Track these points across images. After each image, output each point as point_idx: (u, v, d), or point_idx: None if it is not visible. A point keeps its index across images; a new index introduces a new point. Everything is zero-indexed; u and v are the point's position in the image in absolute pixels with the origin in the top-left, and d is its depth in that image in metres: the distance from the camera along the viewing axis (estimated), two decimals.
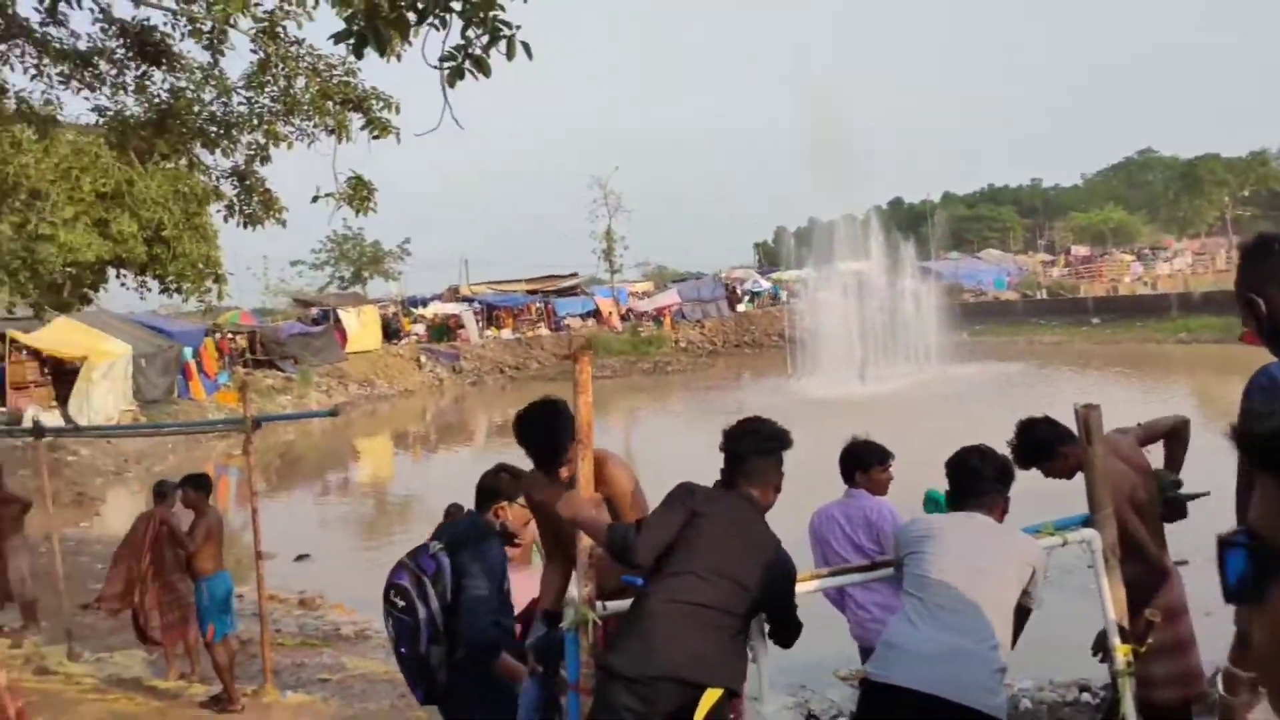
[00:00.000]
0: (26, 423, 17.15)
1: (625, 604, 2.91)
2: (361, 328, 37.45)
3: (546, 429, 3.08)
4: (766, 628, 3.02)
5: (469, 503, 4.24)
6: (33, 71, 10.27)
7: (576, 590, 2.76)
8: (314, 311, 39.84)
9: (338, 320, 37.13)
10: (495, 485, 3.79)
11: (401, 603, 3.48)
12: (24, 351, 24.35)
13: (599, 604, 2.80)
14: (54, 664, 7.89)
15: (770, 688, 3.18)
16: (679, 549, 2.81)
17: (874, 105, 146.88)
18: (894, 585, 4.57)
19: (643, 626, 2.75)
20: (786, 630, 3.01)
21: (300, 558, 13.52)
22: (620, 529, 2.86)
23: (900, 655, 2.85)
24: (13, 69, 10.34)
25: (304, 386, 31.68)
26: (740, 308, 47.84)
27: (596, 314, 45.10)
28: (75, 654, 8.15)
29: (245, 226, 13.85)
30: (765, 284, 50.72)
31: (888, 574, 3.48)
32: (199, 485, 7.10)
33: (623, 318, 45.22)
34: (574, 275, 49.54)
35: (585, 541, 2.79)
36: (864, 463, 4.73)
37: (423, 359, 38.93)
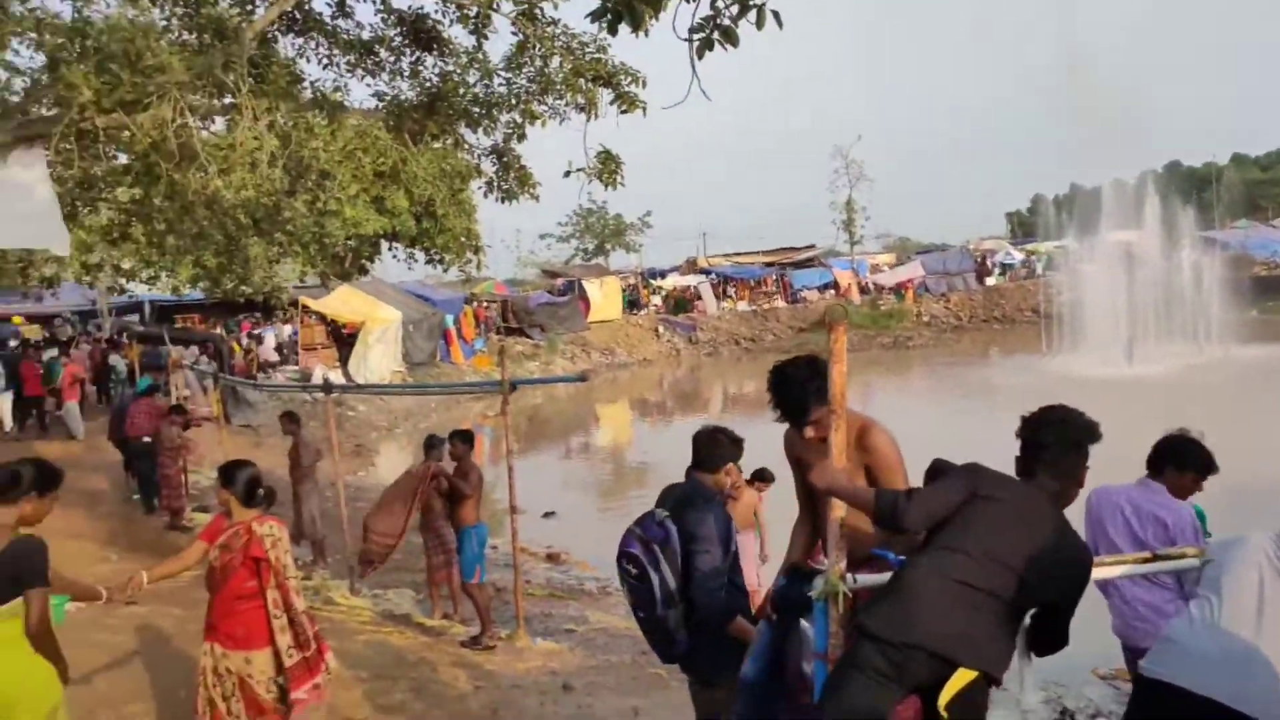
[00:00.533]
0: (316, 380, 19.20)
1: (877, 577, 2.83)
2: (604, 298, 38.83)
3: (799, 385, 3.05)
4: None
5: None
6: (325, 62, 11.38)
7: (828, 561, 2.72)
8: (560, 282, 41.74)
9: (582, 291, 38.70)
10: (720, 447, 3.83)
11: (634, 570, 3.58)
12: (313, 316, 27.19)
13: (850, 576, 2.74)
14: (338, 596, 8.79)
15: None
16: (953, 525, 2.71)
17: (1147, 60, 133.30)
18: (1172, 589, 4.18)
19: (903, 594, 2.68)
20: (1054, 636, 2.83)
21: (547, 515, 14.29)
22: (890, 494, 2.79)
23: (1180, 654, 2.61)
24: (308, 61, 11.50)
25: (550, 353, 33.34)
26: (990, 281, 45.24)
27: (834, 286, 44.18)
28: (356, 589, 9.06)
29: (502, 201, 14.66)
30: (1018, 255, 47.63)
31: (1166, 567, 3.18)
32: (466, 439, 7.66)
33: (862, 290, 44.04)
34: (811, 247, 48.76)
35: (837, 512, 2.74)
36: (1182, 463, 4.29)
37: (661, 329, 39.82)
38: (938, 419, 18.44)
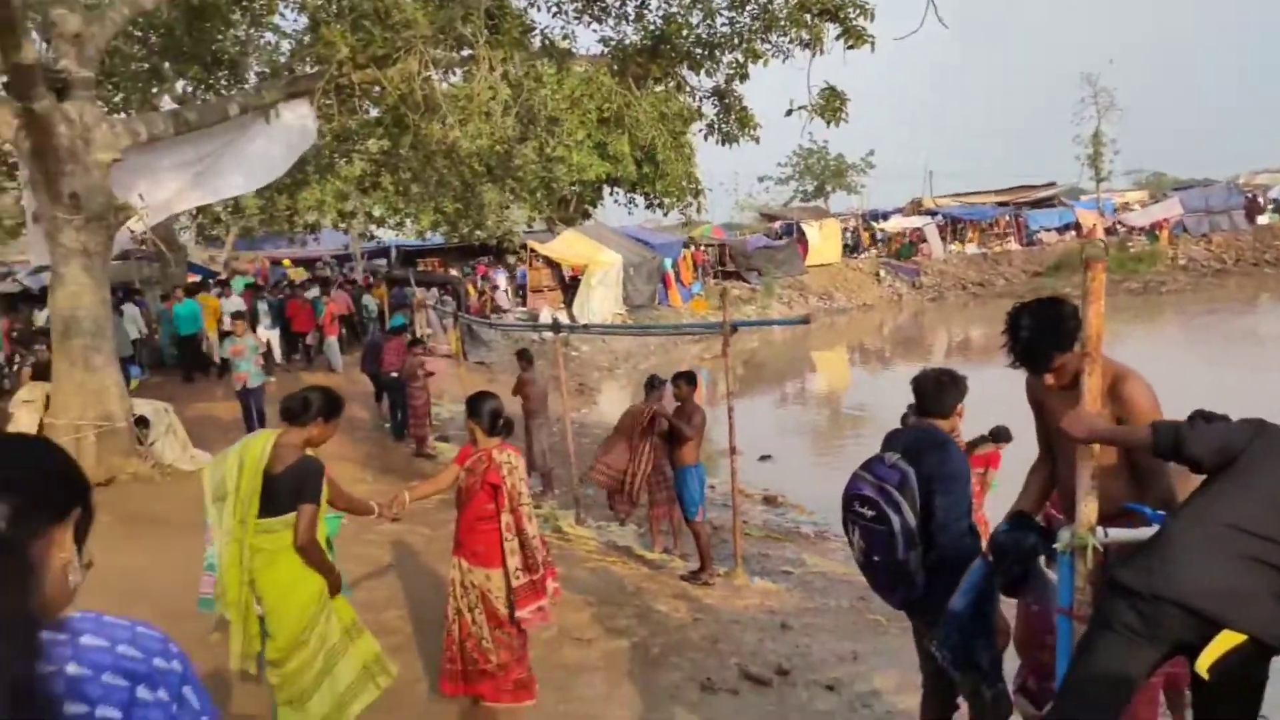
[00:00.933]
0: (544, 321, 20.14)
1: (1132, 533, 2.64)
2: (822, 241, 38.00)
3: (1038, 329, 2.86)
4: None
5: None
6: (554, 9, 11.72)
7: (1077, 512, 2.58)
8: (778, 225, 41.20)
9: (800, 234, 38.05)
10: (948, 389, 3.72)
11: (870, 512, 3.50)
12: (540, 260, 28.39)
13: (1100, 530, 2.58)
14: (565, 526, 9.28)
15: None
16: (1233, 470, 2.48)
17: None
18: None
19: (1162, 543, 2.49)
20: None
21: (764, 458, 14.36)
22: (1169, 424, 2.57)
23: None
24: (538, 10, 11.89)
25: (767, 297, 33.14)
26: (1262, 219, 40.46)
27: (1076, 227, 40.97)
28: (581, 519, 9.52)
29: (723, 144, 14.62)
30: None
31: None
32: (690, 380, 7.81)
33: (1108, 231, 40.59)
34: (1051, 185, 45.33)
35: (1089, 462, 2.58)
36: None
37: (882, 273, 38.57)
38: (1193, 370, 16.84)
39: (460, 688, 4.60)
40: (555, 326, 9.67)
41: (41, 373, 9.31)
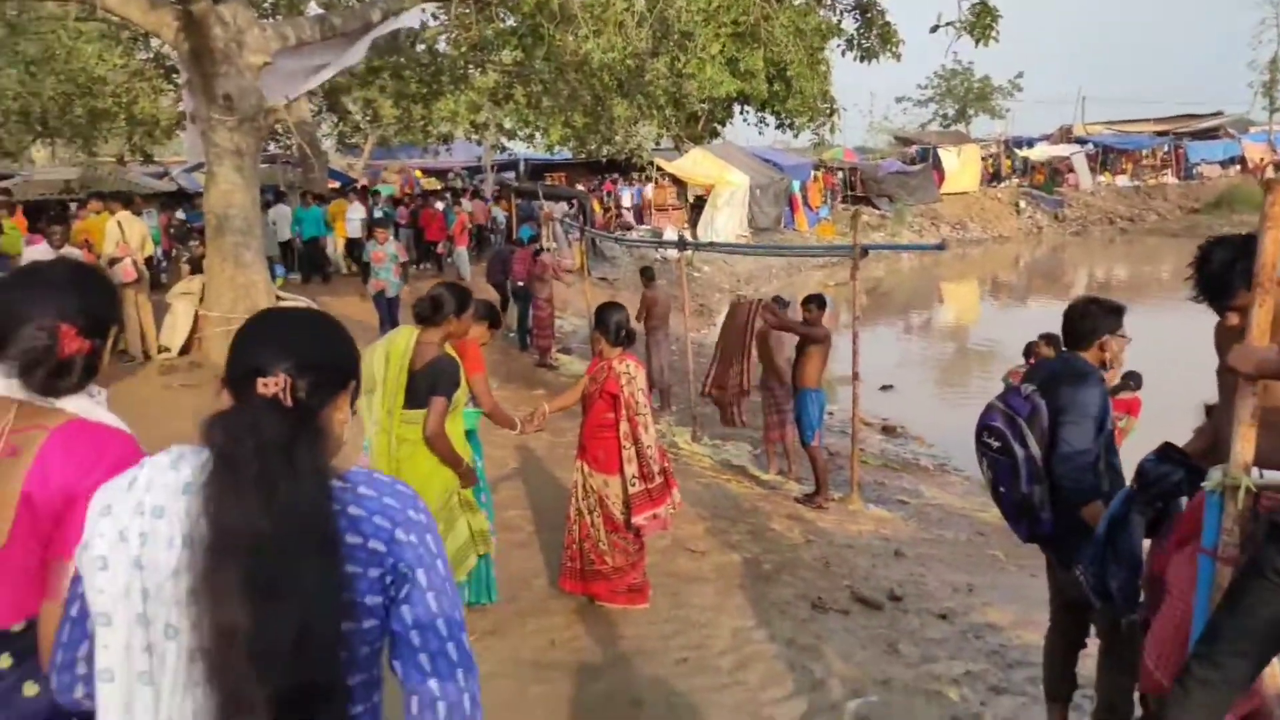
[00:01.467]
0: (669, 238, 20.08)
1: None
2: (960, 168, 36.39)
3: (1228, 261, 2.68)
4: None
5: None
6: None
7: (1233, 449, 2.44)
8: (913, 150, 39.64)
9: (936, 160, 36.52)
10: (1093, 320, 3.50)
11: (996, 444, 3.41)
12: (666, 178, 28.19)
13: (1257, 471, 2.45)
14: (680, 442, 9.40)
15: None
16: None
17: None
18: None
19: None
20: None
21: (885, 388, 14.11)
22: None
23: None
24: None
25: (897, 225, 32.11)
26: None
27: (1241, 161, 37.99)
28: (697, 436, 9.62)
29: (862, 60, 14.05)
30: None
31: None
32: (820, 304, 7.70)
33: (1278, 167, 37.49)
34: (1217, 115, 42.03)
35: (1250, 399, 2.43)
36: None
37: (1022, 204, 36.75)
38: None
39: (578, 586, 4.78)
40: (681, 243, 9.63)
41: (198, 266, 9.88)
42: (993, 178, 38.68)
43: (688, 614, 4.83)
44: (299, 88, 9.90)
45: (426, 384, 3.99)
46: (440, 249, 18.02)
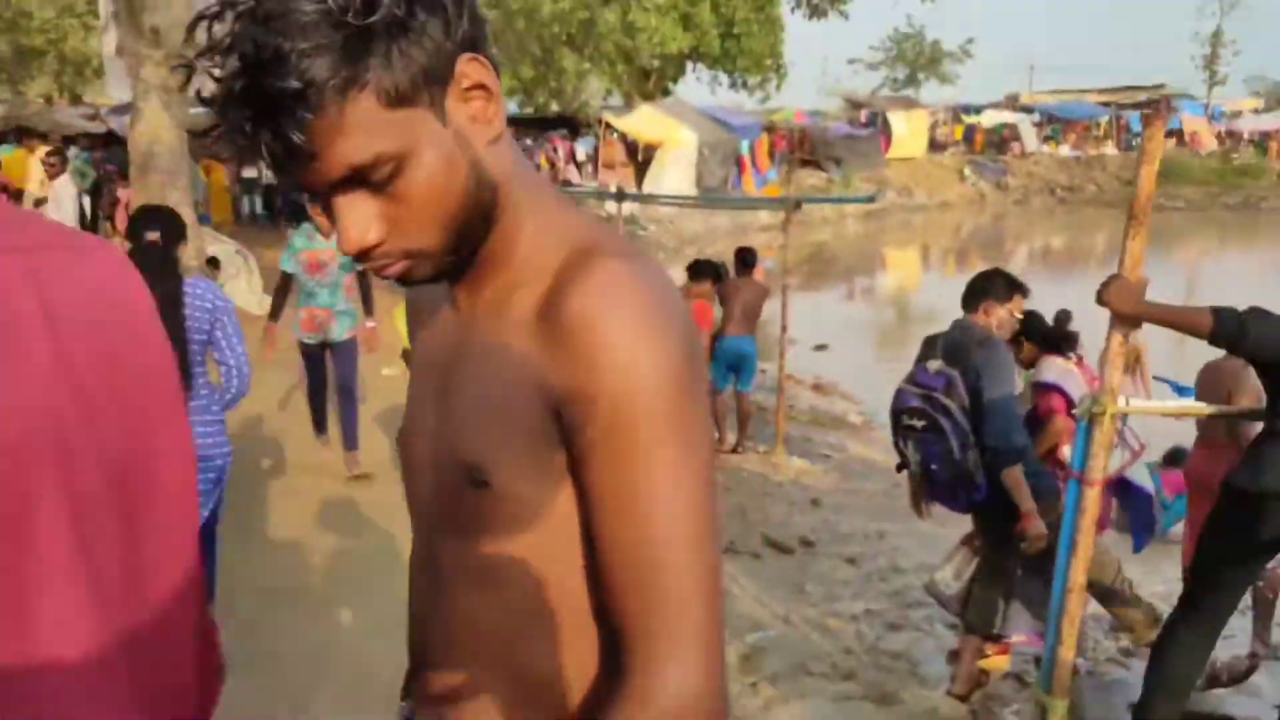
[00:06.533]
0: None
1: (1151, 404, 2.65)
2: (908, 133, 36.66)
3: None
4: None
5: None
6: None
7: (1104, 378, 2.57)
8: (863, 114, 39.83)
9: (885, 124, 36.75)
10: (985, 285, 3.58)
11: (920, 423, 3.42)
12: (614, 134, 28.01)
13: (1122, 397, 2.59)
14: None
15: None
16: None
17: None
18: None
19: (1271, 447, 2.53)
20: None
21: (819, 347, 14.33)
22: (1232, 310, 2.53)
23: None
24: None
25: (843, 189, 32.36)
26: None
27: (1179, 134, 38.83)
28: None
29: (811, 18, 14.03)
30: None
31: None
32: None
33: (1217, 141, 38.44)
34: (1160, 87, 42.81)
35: (1121, 333, 2.55)
36: None
37: (967, 171, 37.21)
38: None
39: None
40: (618, 195, 9.65)
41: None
42: (941, 145, 39.07)
43: None
44: None
45: None
46: None
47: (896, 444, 3.66)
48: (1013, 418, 3.38)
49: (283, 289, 5.71)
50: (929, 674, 3.83)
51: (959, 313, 3.67)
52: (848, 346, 15.00)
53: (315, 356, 5.82)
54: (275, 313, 5.74)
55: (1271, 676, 3.91)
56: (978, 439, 3.34)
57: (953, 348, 3.50)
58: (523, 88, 23.64)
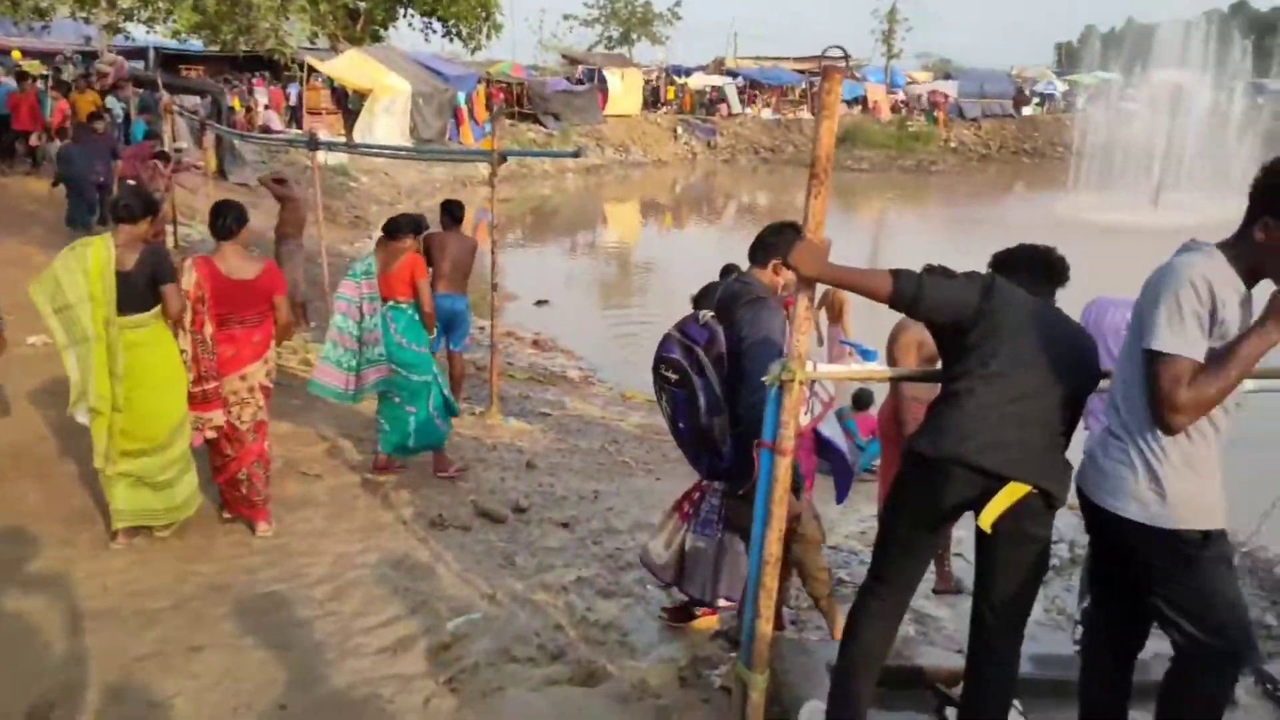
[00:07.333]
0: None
1: (837, 368, 2.59)
2: (624, 92, 37.19)
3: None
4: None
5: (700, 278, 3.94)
6: None
7: (789, 344, 2.46)
8: (580, 70, 39.91)
9: (602, 81, 37.03)
10: (777, 239, 3.32)
11: (674, 376, 3.23)
12: (320, 79, 26.10)
13: (811, 363, 2.50)
14: (314, 358, 8.71)
15: None
16: (987, 334, 2.47)
17: None
18: None
19: (950, 411, 2.50)
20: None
21: (540, 303, 14.15)
22: (911, 273, 2.48)
23: None
24: None
25: (563, 143, 32.30)
26: (1026, 111, 43.31)
27: (863, 101, 42.32)
28: None
29: None
30: (1060, 87, 45.44)
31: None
32: (450, 211, 7.35)
33: (894, 110, 42.20)
34: (845, 58, 46.27)
35: (806, 297, 2.46)
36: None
37: (679, 130, 38.42)
38: (941, 254, 18.00)
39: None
40: (314, 142, 8.78)
41: None
42: (654, 103, 40.01)
43: (288, 542, 4.40)
44: None
45: (146, 279, 4.08)
46: (34, 140, 15.33)
47: (656, 392, 3.44)
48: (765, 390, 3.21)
49: None
50: (639, 643, 3.70)
51: (681, 264, 3.48)
52: (570, 302, 14.93)
53: None
54: None
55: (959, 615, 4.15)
56: (730, 403, 3.17)
57: (727, 300, 3.28)
58: (208, 22, 21.32)
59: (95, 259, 4.02)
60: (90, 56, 27.59)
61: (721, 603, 3.53)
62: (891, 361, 4.14)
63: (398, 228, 5.74)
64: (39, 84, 16.93)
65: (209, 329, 4.31)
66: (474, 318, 8.79)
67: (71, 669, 3.18)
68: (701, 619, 3.81)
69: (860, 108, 41.84)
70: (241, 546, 4.31)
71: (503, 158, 7.16)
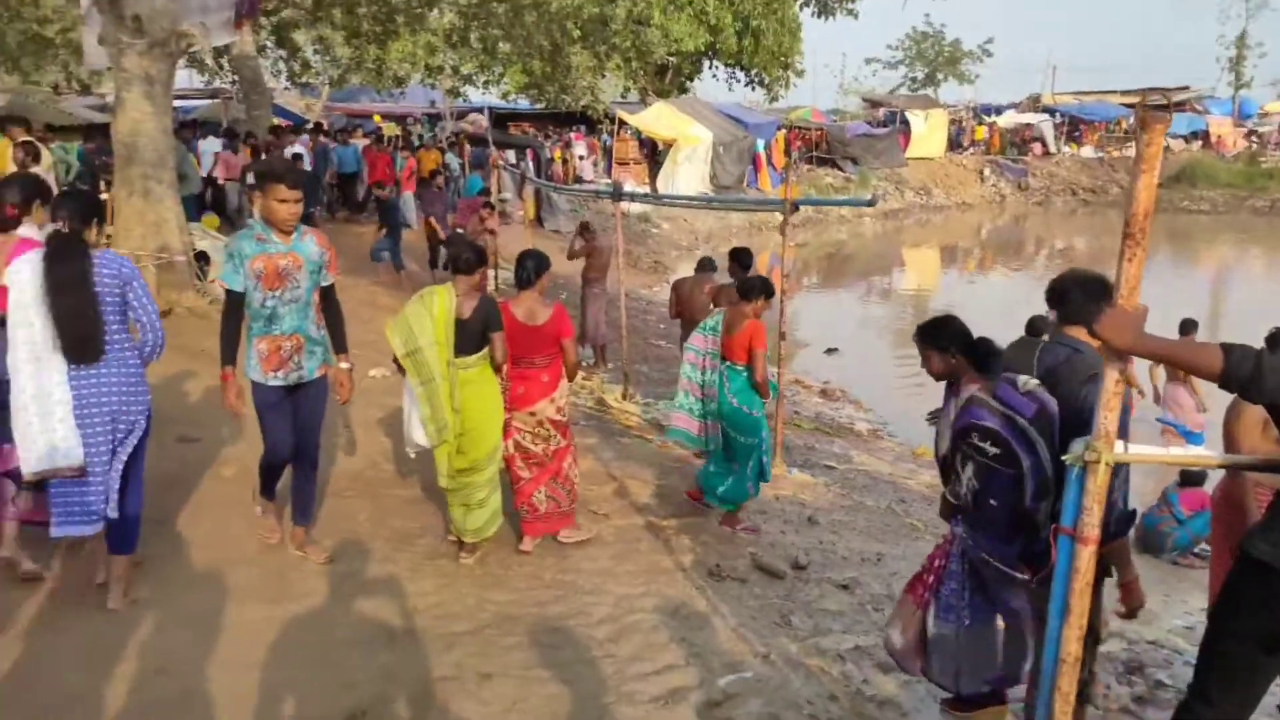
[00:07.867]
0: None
1: (1153, 451, 2.30)
2: (927, 132, 36.09)
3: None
4: None
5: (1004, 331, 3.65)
6: None
7: (1096, 422, 2.22)
8: (881, 113, 39.28)
9: (904, 123, 36.19)
10: (1101, 290, 2.89)
11: (994, 450, 2.88)
12: (628, 130, 27.66)
13: (1121, 444, 2.24)
14: (610, 399, 9.15)
15: None
16: None
17: None
18: None
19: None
20: None
21: (830, 351, 13.96)
22: (1243, 352, 2.13)
23: None
24: None
25: (861, 188, 31.87)
26: None
27: (1204, 136, 38.07)
28: (629, 394, 9.37)
29: (818, 16, 13.64)
30: None
31: None
32: (738, 259, 7.46)
33: (1245, 143, 37.63)
34: (1184, 89, 42.00)
35: (1115, 370, 2.21)
36: None
37: (986, 172, 36.61)
38: None
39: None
40: (616, 193, 9.30)
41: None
42: (959, 144, 38.48)
43: (576, 579, 4.61)
44: (216, 14, 9.38)
45: (480, 326, 4.52)
46: (383, 194, 17.46)
47: (949, 459, 3.15)
48: (1123, 478, 2.79)
49: (232, 315, 4.08)
50: None
51: (982, 314, 3.28)
52: (860, 350, 14.60)
53: (280, 406, 4.20)
54: (229, 351, 4.09)
55: None
56: (1059, 490, 2.70)
57: (1057, 370, 2.91)
58: (534, 83, 23.32)
59: (440, 307, 4.45)
60: (434, 118, 31.17)
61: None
62: (1229, 437, 3.62)
63: (750, 288, 5.54)
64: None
65: (504, 368, 4.75)
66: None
67: (383, 681, 3.51)
68: (988, 710, 3.51)
69: (1201, 143, 37.69)
70: (534, 579, 4.57)
71: (795, 206, 7.16)
